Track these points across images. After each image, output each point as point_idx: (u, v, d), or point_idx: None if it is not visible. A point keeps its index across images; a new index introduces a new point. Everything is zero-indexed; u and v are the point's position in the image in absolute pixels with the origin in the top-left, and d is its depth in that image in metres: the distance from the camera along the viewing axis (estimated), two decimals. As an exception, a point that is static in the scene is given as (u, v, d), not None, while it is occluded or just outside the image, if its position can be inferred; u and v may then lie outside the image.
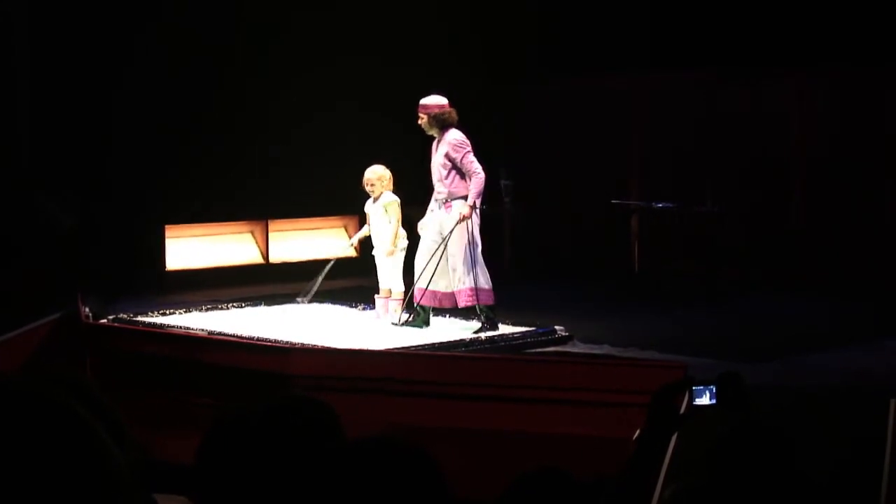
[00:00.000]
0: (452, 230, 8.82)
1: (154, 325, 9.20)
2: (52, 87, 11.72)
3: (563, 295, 11.27)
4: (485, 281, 8.90)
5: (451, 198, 8.92)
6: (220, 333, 8.61)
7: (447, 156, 8.90)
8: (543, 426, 6.19)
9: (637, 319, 9.97)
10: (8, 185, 11.45)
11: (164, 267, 12.30)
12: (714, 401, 2.60)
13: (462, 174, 8.92)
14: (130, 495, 1.53)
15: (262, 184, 12.66)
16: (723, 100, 12.49)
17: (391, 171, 9.42)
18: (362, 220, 9.83)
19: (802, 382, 7.65)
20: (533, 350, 8.61)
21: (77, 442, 1.48)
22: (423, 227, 9.16)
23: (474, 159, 8.93)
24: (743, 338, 9.20)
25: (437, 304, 9.02)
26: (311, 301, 9.86)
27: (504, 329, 8.96)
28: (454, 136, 8.94)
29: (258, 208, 12.88)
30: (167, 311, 9.78)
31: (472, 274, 8.84)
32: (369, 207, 9.49)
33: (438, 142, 9.00)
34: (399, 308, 9.18)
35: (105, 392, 2.17)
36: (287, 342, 8.04)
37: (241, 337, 8.38)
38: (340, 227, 13.57)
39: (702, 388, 2.60)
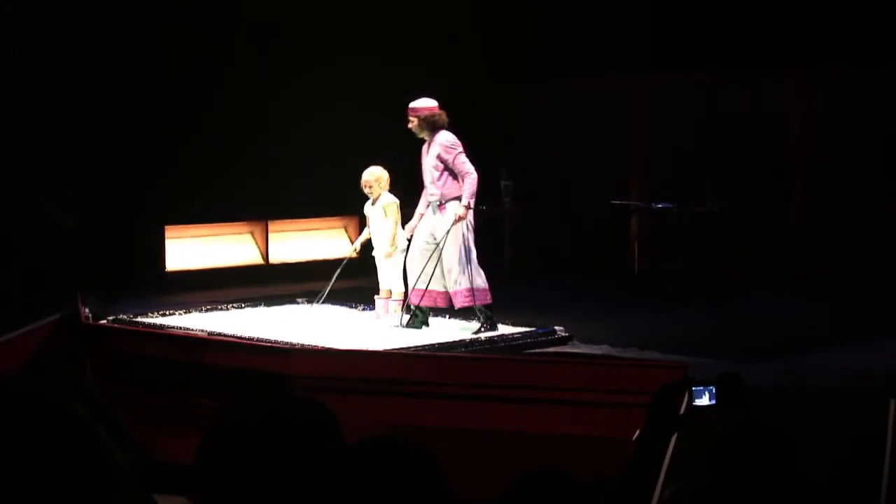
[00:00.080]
0: (449, 231, 8.80)
1: (154, 325, 9.20)
2: (52, 87, 11.72)
3: (563, 295, 11.27)
4: (481, 281, 8.90)
5: (444, 199, 8.91)
6: (219, 334, 8.60)
7: (439, 157, 8.90)
8: (543, 426, 6.19)
9: (637, 319, 9.97)
10: (8, 185, 11.45)
11: (164, 267, 12.30)
12: (714, 401, 2.60)
13: (454, 175, 8.92)
14: (130, 495, 1.54)
15: (261, 184, 12.66)
16: (723, 100, 12.49)
17: (391, 171, 9.43)
18: (362, 221, 9.84)
19: (802, 382, 7.65)
20: (533, 350, 8.61)
21: (77, 442, 1.48)
22: (417, 230, 9.14)
23: (466, 160, 8.92)
24: (743, 338, 9.20)
25: (432, 304, 9.01)
26: (322, 303, 9.86)
27: (504, 329, 8.95)
28: (445, 137, 8.94)
29: (258, 209, 12.88)
30: (167, 312, 9.78)
31: (467, 274, 8.83)
32: (368, 209, 9.50)
33: (429, 144, 9.00)
34: (399, 308, 9.17)
35: (105, 392, 2.17)
36: (287, 343, 8.03)
37: (240, 337, 8.38)
38: (340, 227, 13.57)
39: (701, 388, 2.60)
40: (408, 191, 9.46)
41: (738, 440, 3.01)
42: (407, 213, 9.40)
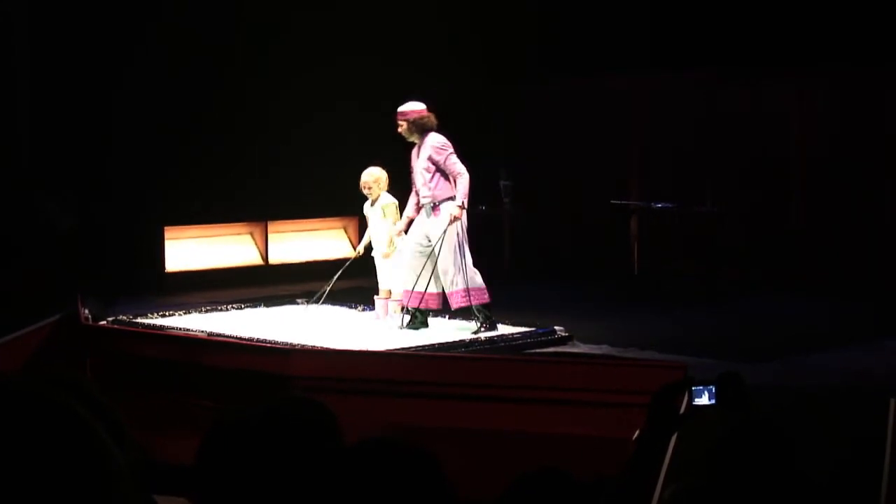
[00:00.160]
0: (445, 231, 8.80)
1: (154, 326, 9.20)
2: (52, 87, 11.72)
3: (563, 295, 11.27)
4: (478, 280, 8.89)
5: (436, 201, 8.90)
6: (219, 335, 8.60)
7: (430, 159, 8.89)
8: (543, 426, 6.19)
9: (637, 319, 9.97)
10: (8, 185, 11.45)
11: (164, 268, 12.30)
12: (713, 401, 2.60)
13: (445, 176, 8.91)
14: (130, 496, 1.53)
15: (261, 184, 12.66)
16: (723, 100, 12.49)
17: (391, 171, 9.43)
18: (361, 221, 9.84)
19: (802, 382, 7.65)
20: (533, 350, 8.61)
21: (77, 442, 1.48)
22: (410, 232, 9.15)
23: (458, 160, 8.92)
24: (743, 338, 9.19)
25: (423, 306, 9.01)
26: (321, 303, 9.87)
27: (504, 329, 8.95)
28: (435, 139, 8.94)
29: (258, 209, 12.88)
30: (167, 313, 9.77)
31: (462, 275, 8.83)
32: (368, 209, 9.50)
33: (419, 147, 8.99)
34: (398, 309, 9.18)
35: (105, 393, 2.17)
36: (287, 343, 8.03)
37: (240, 338, 8.38)
38: (340, 228, 13.57)
39: (701, 388, 2.60)
40: (407, 191, 9.46)
41: (737, 440, 3.01)
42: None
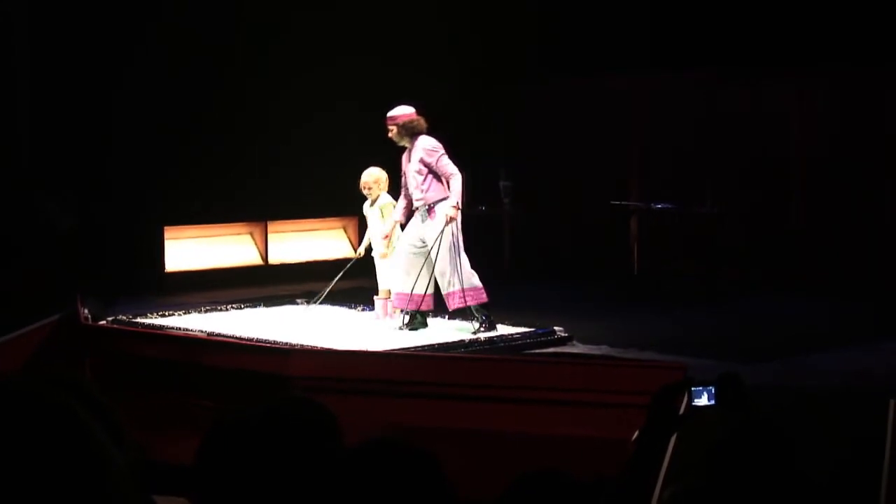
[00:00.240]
0: (442, 232, 8.79)
1: (153, 326, 9.20)
2: (52, 87, 11.72)
3: (563, 295, 11.26)
4: (475, 280, 8.89)
5: (430, 203, 8.90)
6: (219, 335, 8.60)
7: (422, 161, 8.89)
8: (543, 427, 6.19)
9: (637, 320, 9.97)
10: (8, 185, 11.45)
11: (164, 268, 12.30)
12: (713, 402, 2.59)
13: (438, 178, 8.91)
14: (130, 496, 1.53)
15: (261, 184, 12.66)
16: (723, 100, 12.49)
17: (390, 172, 9.43)
18: (361, 222, 9.84)
19: (802, 383, 7.65)
20: (532, 351, 8.61)
21: (76, 443, 1.48)
22: (404, 235, 9.16)
23: (449, 161, 8.93)
24: (743, 338, 9.19)
25: (413, 308, 9.01)
26: (320, 303, 9.88)
27: (503, 330, 8.95)
28: (426, 142, 8.94)
29: (257, 209, 12.88)
30: (166, 313, 9.77)
31: (459, 275, 8.83)
32: (367, 210, 9.51)
33: (410, 151, 8.99)
34: (398, 310, 9.19)
35: (104, 393, 2.17)
36: (286, 343, 8.03)
37: (240, 338, 8.38)
38: (339, 228, 13.57)
39: (700, 388, 2.60)
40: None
41: (737, 441, 3.01)
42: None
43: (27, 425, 1.48)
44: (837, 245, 11.67)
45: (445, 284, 8.86)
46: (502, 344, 8.68)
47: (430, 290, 8.97)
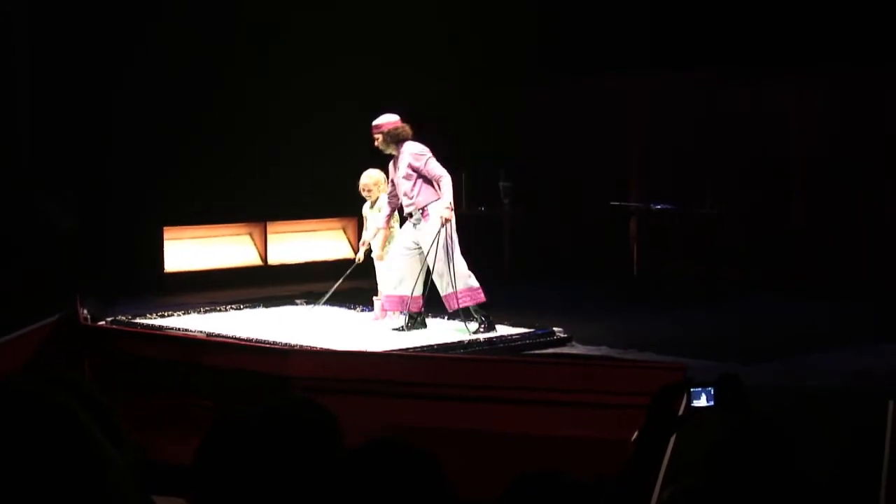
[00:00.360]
0: (438, 233, 8.79)
1: (153, 326, 9.19)
2: (52, 87, 11.72)
3: (563, 296, 11.26)
4: (472, 281, 8.89)
5: (421, 206, 8.90)
6: (218, 335, 8.60)
7: (410, 166, 8.90)
8: (542, 428, 6.19)
9: (636, 320, 9.97)
10: (8, 185, 11.45)
11: (163, 269, 12.30)
12: (712, 402, 2.59)
13: (427, 181, 8.91)
14: (129, 496, 1.53)
15: (261, 184, 12.66)
16: (723, 100, 12.49)
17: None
18: (361, 222, 9.84)
19: (802, 383, 7.64)
20: (532, 351, 8.60)
21: (75, 443, 1.48)
22: (399, 237, 9.19)
23: (437, 163, 8.93)
24: (743, 338, 9.19)
25: (403, 309, 9.02)
26: (324, 304, 9.91)
27: (503, 330, 8.95)
28: (413, 147, 8.95)
29: (257, 209, 12.88)
30: (166, 313, 9.77)
31: (458, 276, 8.83)
32: (367, 211, 9.51)
33: (397, 158, 9.00)
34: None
35: (104, 393, 2.17)
36: (286, 344, 8.03)
37: (239, 339, 8.38)
38: (339, 228, 13.57)
39: (699, 389, 2.60)
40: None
41: (736, 441, 3.01)
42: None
43: (27, 425, 1.48)
44: (837, 245, 11.67)
45: (443, 286, 8.86)
46: (502, 345, 8.68)
47: (419, 292, 8.99)
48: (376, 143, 9.02)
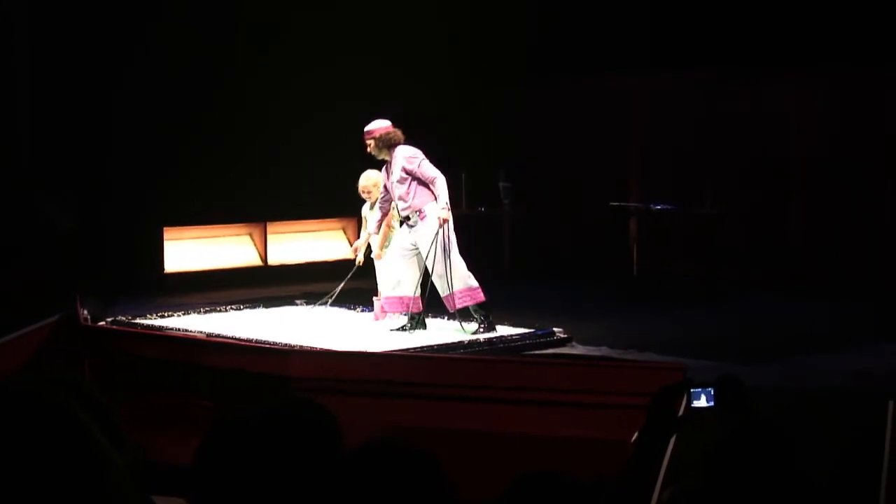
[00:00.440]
0: (436, 235, 8.79)
1: (153, 327, 9.19)
2: (52, 87, 11.71)
3: (563, 296, 11.26)
4: (471, 281, 8.90)
5: (417, 208, 8.90)
6: (218, 335, 8.59)
7: (404, 170, 8.90)
8: (542, 428, 6.19)
9: (636, 320, 9.96)
10: (8, 185, 11.45)
11: (163, 269, 12.30)
12: (712, 403, 2.59)
13: (422, 183, 8.91)
14: (129, 496, 1.53)
15: (261, 184, 12.66)
16: (723, 100, 12.48)
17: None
18: (360, 223, 9.84)
19: (802, 383, 7.64)
20: (532, 352, 8.60)
21: (75, 443, 1.48)
22: (396, 239, 9.21)
23: (431, 165, 8.94)
24: (743, 338, 9.19)
25: (403, 310, 9.03)
26: (318, 304, 9.91)
27: (503, 331, 8.94)
28: (405, 150, 8.96)
29: (257, 210, 12.88)
30: (166, 314, 9.77)
31: (457, 276, 8.84)
32: (366, 212, 9.51)
33: (390, 163, 9.00)
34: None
35: (104, 393, 2.17)
36: (286, 344, 8.03)
37: (239, 339, 8.37)
38: (339, 229, 13.57)
39: (699, 390, 2.60)
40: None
41: (736, 441, 3.01)
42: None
43: (27, 425, 1.48)
44: (837, 245, 11.67)
45: (443, 287, 8.86)
46: (502, 345, 8.68)
47: (418, 293, 9.00)
48: (368, 149, 9.04)
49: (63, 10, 11.64)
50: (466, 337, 8.78)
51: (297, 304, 10.41)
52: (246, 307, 10.36)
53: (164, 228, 12.35)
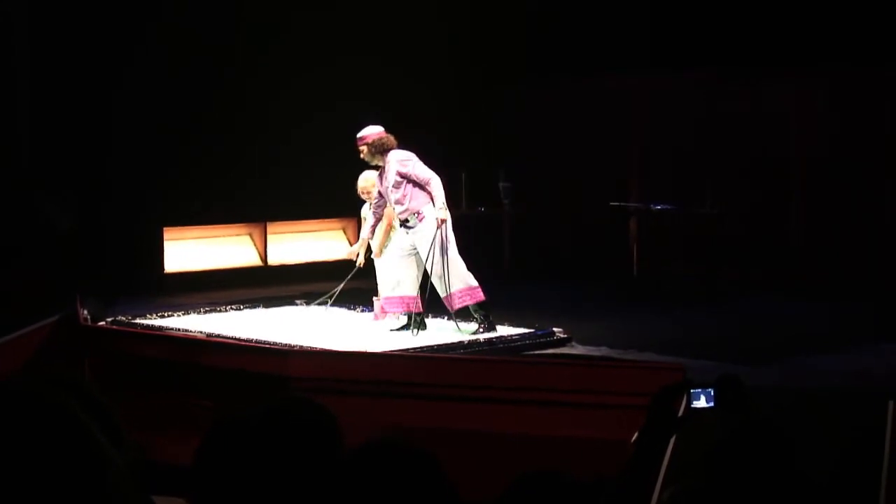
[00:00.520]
0: (435, 235, 8.79)
1: (153, 327, 9.19)
2: (52, 87, 11.71)
3: (563, 296, 11.26)
4: (471, 280, 8.90)
5: (414, 210, 8.90)
6: (218, 335, 8.60)
7: (398, 173, 8.90)
8: (542, 428, 6.19)
9: (636, 320, 9.96)
10: (8, 185, 11.45)
11: (163, 269, 12.30)
12: (712, 403, 2.59)
13: (418, 186, 8.91)
14: (129, 496, 1.53)
15: (261, 184, 12.66)
16: (723, 100, 12.48)
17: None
18: (360, 223, 9.84)
19: (802, 383, 7.65)
20: (532, 352, 8.60)
21: (75, 443, 1.48)
22: (394, 240, 9.22)
23: (424, 166, 8.94)
24: (743, 338, 9.19)
25: (403, 309, 9.03)
26: (318, 304, 9.92)
27: (503, 331, 8.95)
28: (398, 155, 8.96)
29: (257, 210, 12.88)
30: (166, 314, 9.77)
31: (456, 276, 8.84)
32: (366, 212, 9.51)
33: (384, 168, 9.01)
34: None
35: (104, 393, 2.17)
36: (285, 344, 8.03)
37: (239, 339, 8.37)
38: (339, 229, 13.56)
39: (699, 390, 2.60)
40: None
41: (736, 441, 3.01)
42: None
43: (27, 425, 1.48)
44: (837, 245, 11.67)
45: (443, 288, 8.86)
46: (502, 345, 8.68)
47: (418, 292, 9.00)
48: (362, 156, 9.05)
49: (63, 10, 11.64)
50: (466, 337, 8.79)
51: (297, 304, 10.41)
52: (246, 307, 10.36)
53: (164, 228, 12.35)
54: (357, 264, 9.50)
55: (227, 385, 7.00)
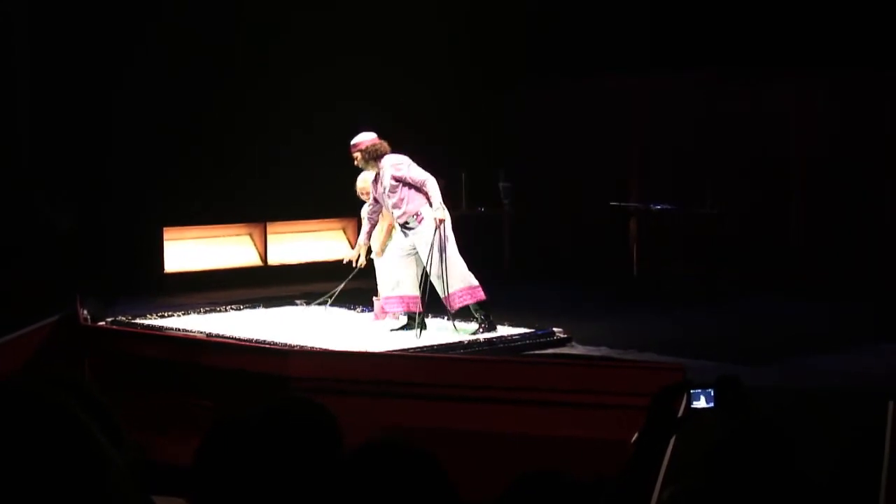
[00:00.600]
0: (434, 236, 8.79)
1: (153, 327, 9.19)
2: (52, 87, 11.71)
3: (563, 296, 11.26)
4: (471, 279, 8.90)
5: (412, 213, 8.90)
6: (218, 335, 8.59)
7: (393, 178, 8.90)
8: (542, 428, 6.19)
9: (636, 321, 9.96)
10: (8, 185, 11.45)
11: (163, 269, 12.30)
12: (711, 403, 2.59)
13: (413, 188, 8.91)
14: (129, 496, 1.53)
15: (261, 185, 12.66)
16: (723, 100, 12.48)
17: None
18: (360, 223, 9.84)
19: (802, 383, 7.65)
20: (532, 352, 8.60)
21: (75, 443, 1.48)
22: (393, 241, 9.23)
23: (419, 168, 8.95)
24: (743, 338, 9.19)
25: (403, 309, 9.04)
26: (317, 304, 9.93)
27: (503, 331, 8.95)
28: (391, 159, 8.97)
29: (257, 210, 12.87)
30: (166, 314, 9.77)
31: (456, 275, 8.84)
32: (366, 213, 9.51)
33: (378, 174, 9.01)
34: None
35: (104, 393, 2.17)
36: (285, 344, 8.03)
37: (239, 339, 8.37)
38: (339, 229, 13.56)
39: (699, 391, 2.60)
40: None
41: (736, 441, 3.01)
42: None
43: (27, 425, 1.48)
44: (837, 245, 11.66)
45: (443, 287, 8.86)
46: (502, 345, 8.68)
47: (418, 292, 9.01)
48: (356, 162, 9.05)
49: (63, 10, 11.64)
50: (466, 337, 8.79)
51: (297, 304, 10.41)
52: (246, 307, 10.36)
53: (164, 228, 12.34)
54: (358, 265, 9.50)
55: (227, 385, 7.00)
